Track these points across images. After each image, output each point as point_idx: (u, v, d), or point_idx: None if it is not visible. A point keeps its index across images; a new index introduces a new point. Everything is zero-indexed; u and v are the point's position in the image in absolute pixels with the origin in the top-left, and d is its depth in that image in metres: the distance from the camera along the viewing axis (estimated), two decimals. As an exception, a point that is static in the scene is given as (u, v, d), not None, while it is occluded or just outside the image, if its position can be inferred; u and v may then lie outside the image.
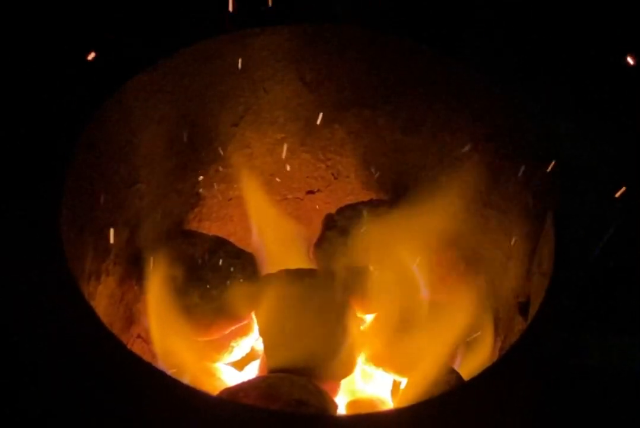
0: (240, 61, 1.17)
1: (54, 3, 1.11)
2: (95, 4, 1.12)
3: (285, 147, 1.31)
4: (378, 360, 1.21)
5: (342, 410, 1.17)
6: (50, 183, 0.95)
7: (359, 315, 1.22)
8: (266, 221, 1.27)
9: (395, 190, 1.33)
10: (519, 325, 1.08)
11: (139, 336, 1.26)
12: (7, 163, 0.97)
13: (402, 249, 1.23)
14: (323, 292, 1.16)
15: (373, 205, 1.29)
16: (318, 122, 1.26)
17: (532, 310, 1.01)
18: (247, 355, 1.28)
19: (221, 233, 1.31)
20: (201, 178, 1.27)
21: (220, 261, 1.19)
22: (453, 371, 1.13)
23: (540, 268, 1.02)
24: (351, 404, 1.21)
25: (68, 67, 1.06)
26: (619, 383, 0.89)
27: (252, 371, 1.25)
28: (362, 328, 1.23)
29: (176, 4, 1.14)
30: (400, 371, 1.20)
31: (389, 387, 1.24)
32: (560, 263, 0.95)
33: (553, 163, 1.04)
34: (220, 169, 1.28)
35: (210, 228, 1.34)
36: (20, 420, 0.81)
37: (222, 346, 1.24)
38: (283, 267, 1.21)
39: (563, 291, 0.92)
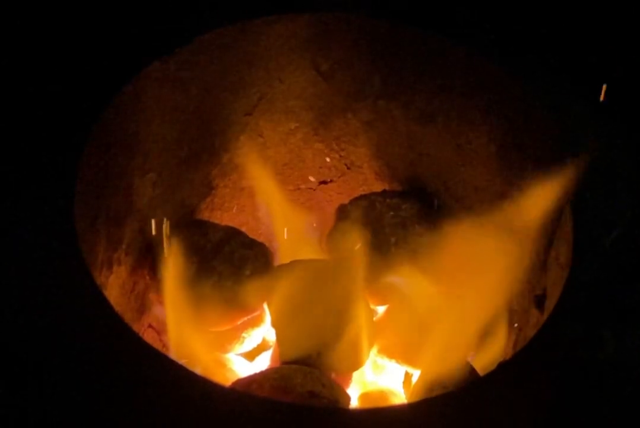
0: (255, 49, 1.16)
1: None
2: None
3: (298, 136, 1.30)
4: (390, 352, 1.21)
5: (354, 402, 1.16)
6: (63, 173, 0.95)
7: (372, 306, 1.21)
8: (278, 211, 1.26)
9: (409, 181, 1.32)
10: (534, 317, 1.07)
11: (149, 325, 1.26)
12: (21, 153, 0.97)
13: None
14: (335, 283, 1.15)
15: (386, 196, 1.28)
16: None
17: (549, 303, 1.01)
18: (258, 345, 1.27)
19: (233, 223, 1.31)
20: (213, 167, 1.27)
21: (233, 252, 1.18)
22: (466, 364, 1.12)
23: (557, 261, 1.01)
24: (363, 396, 1.21)
25: (83, 56, 1.05)
26: (636, 377, 0.88)
27: (263, 362, 1.24)
28: (374, 319, 1.22)
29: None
30: (412, 363, 1.19)
31: (401, 378, 1.24)
32: (578, 256, 0.94)
33: (569, 154, 1.03)
34: (233, 158, 1.28)
35: (222, 217, 1.33)
36: (31, 409, 0.80)
37: (233, 336, 1.24)
38: (295, 258, 1.21)
39: (582, 284, 0.91)
